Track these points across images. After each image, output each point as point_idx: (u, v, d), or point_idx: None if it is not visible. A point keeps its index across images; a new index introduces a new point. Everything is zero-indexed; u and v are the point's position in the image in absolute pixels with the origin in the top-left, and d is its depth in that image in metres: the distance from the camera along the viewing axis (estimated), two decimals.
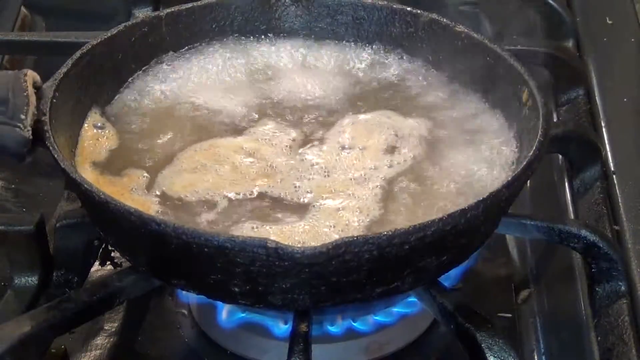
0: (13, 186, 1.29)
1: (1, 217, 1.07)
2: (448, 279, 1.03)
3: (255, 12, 1.18)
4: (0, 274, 1.08)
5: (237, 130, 1.08)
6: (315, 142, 1.06)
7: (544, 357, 1.08)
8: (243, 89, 1.14)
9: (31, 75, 0.98)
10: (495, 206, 0.93)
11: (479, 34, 1.11)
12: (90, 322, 1.01)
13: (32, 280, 1.04)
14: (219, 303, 1.02)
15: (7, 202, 1.26)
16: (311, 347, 0.92)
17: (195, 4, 1.16)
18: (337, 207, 0.97)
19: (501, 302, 1.13)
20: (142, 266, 0.97)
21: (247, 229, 0.94)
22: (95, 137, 1.05)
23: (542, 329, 1.10)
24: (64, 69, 1.03)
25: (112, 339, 1.08)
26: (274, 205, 0.98)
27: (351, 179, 1.01)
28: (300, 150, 1.05)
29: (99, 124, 1.06)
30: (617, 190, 1.13)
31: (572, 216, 1.15)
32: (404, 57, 1.16)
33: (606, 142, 1.19)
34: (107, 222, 0.94)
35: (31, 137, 0.95)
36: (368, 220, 0.96)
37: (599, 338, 1.00)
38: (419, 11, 1.15)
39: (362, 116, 1.10)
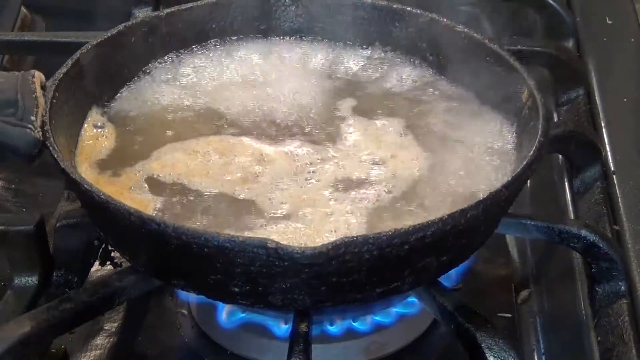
0: (13, 186, 1.29)
1: (1, 217, 1.07)
2: (448, 279, 1.03)
3: (255, 12, 1.18)
4: (0, 274, 1.08)
5: (236, 130, 1.08)
6: (313, 143, 1.06)
7: (544, 357, 1.08)
8: (243, 89, 1.14)
9: (39, 77, 0.99)
10: (495, 206, 0.93)
11: (479, 34, 1.11)
12: (90, 322, 1.01)
13: (32, 280, 1.04)
14: (219, 303, 1.02)
15: (7, 202, 1.27)
16: (311, 347, 0.92)
17: (195, 4, 1.16)
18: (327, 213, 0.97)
19: (501, 302, 1.13)
20: (142, 266, 0.97)
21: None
22: (95, 137, 1.05)
23: (542, 329, 1.10)
24: (64, 69, 1.03)
25: (112, 339, 1.08)
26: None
27: (356, 176, 1.02)
28: (297, 151, 1.05)
29: (99, 124, 1.07)
30: (617, 190, 1.13)
31: (572, 216, 1.15)
32: (404, 57, 1.16)
33: (606, 142, 1.19)
34: (107, 222, 0.94)
35: (41, 138, 0.95)
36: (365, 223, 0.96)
37: (599, 338, 1.00)
38: (419, 11, 1.15)
39: (362, 116, 1.10)
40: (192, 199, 0.98)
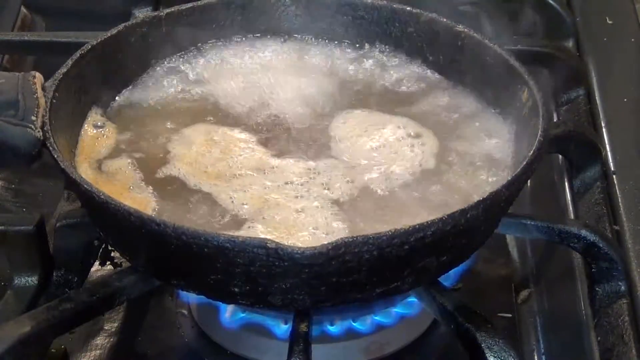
0: (13, 186, 1.29)
1: (1, 217, 1.07)
2: (448, 279, 1.03)
3: (255, 12, 1.18)
4: (0, 274, 1.08)
5: (236, 130, 1.08)
6: (311, 143, 1.06)
7: (544, 357, 1.08)
8: (243, 89, 1.14)
9: (39, 78, 0.99)
10: (495, 206, 0.93)
11: (479, 34, 1.11)
12: (90, 322, 1.01)
13: (32, 280, 1.04)
14: (219, 303, 1.02)
15: (7, 202, 1.27)
16: (311, 347, 0.92)
17: (195, 4, 1.16)
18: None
19: (501, 302, 1.13)
20: (142, 266, 0.97)
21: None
22: (95, 137, 1.05)
23: (542, 329, 1.10)
24: (64, 69, 1.03)
25: (112, 339, 1.08)
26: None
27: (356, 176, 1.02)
28: (297, 151, 1.05)
29: (99, 124, 1.07)
30: (617, 190, 1.13)
31: (572, 216, 1.15)
32: (404, 57, 1.16)
33: (606, 142, 1.19)
34: (107, 222, 0.94)
35: (42, 137, 0.95)
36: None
37: (599, 338, 1.00)
38: (419, 11, 1.15)
39: (361, 116, 1.10)
40: (192, 198, 0.98)
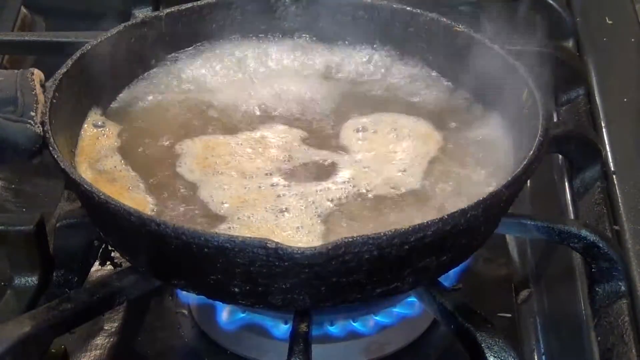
0: (13, 186, 1.29)
1: (1, 217, 1.07)
2: (448, 279, 1.03)
3: (255, 12, 1.18)
4: (0, 274, 1.08)
5: (235, 130, 1.08)
6: (311, 143, 1.06)
7: (544, 357, 1.08)
8: (243, 89, 1.14)
9: (38, 74, 0.99)
10: (495, 206, 0.93)
11: (479, 34, 1.11)
12: (90, 322, 1.01)
13: (32, 280, 1.04)
14: (219, 303, 1.02)
15: (7, 202, 1.27)
16: (311, 347, 0.92)
17: (195, 4, 1.16)
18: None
19: (501, 302, 1.13)
20: (142, 266, 0.97)
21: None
22: (95, 137, 1.05)
23: (542, 329, 1.10)
24: (64, 69, 1.03)
25: (112, 339, 1.08)
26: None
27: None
28: (297, 152, 1.05)
29: (99, 124, 1.07)
30: (617, 190, 1.13)
31: (572, 216, 1.15)
32: (404, 57, 1.16)
33: (606, 142, 1.19)
34: (107, 222, 0.94)
35: (41, 132, 0.95)
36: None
37: (599, 338, 1.00)
38: (419, 11, 1.15)
39: (361, 116, 1.10)
40: (192, 195, 0.99)
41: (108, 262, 1.10)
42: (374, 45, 1.17)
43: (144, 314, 1.11)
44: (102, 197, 0.89)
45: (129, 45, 1.11)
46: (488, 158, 1.04)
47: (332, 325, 1.03)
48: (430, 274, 0.94)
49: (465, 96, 1.12)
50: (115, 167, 1.02)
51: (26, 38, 1.38)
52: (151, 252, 0.92)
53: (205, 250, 0.86)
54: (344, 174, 1.02)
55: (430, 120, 1.09)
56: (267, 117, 1.10)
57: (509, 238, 1.21)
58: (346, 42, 1.18)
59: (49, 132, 0.95)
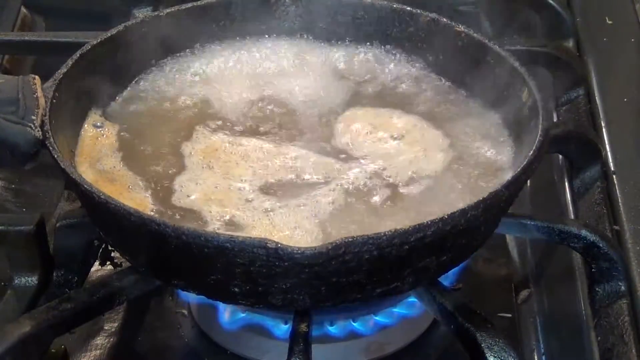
0: (13, 186, 1.29)
1: (1, 217, 1.07)
2: (448, 279, 1.03)
3: (255, 12, 1.18)
4: (0, 274, 1.08)
5: (236, 130, 1.08)
6: (311, 143, 1.06)
7: (544, 357, 1.08)
8: (243, 89, 1.14)
9: (39, 80, 0.99)
10: (495, 206, 0.93)
11: (479, 34, 1.11)
12: (90, 322, 1.01)
13: (32, 280, 1.04)
14: (219, 303, 1.02)
15: (7, 202, 1.27)
16: (311, 347, 0.92)
17: (195, 4, 1.16)
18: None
19: (501, 302, 1.13)
20: (142, 266, 0.97)
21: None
22: (95, 137, 1.05)
23: (542, 329, 1.10)
24: (64, 69, 1.03)
25: (112, 339, 1.08)
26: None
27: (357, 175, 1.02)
28: (297, 152, 1.05)
29: (99, 124, 1.07)
30: (617, 190, 1.13)
31: (572, 216, 1.15)
32: (404, 57, 1.16)
33: (606, 142, 1.19)
34: (107, 222, 0.94)
35: (41, 137, 0.95)
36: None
37: (599, 338, 1.00)
38: (418, 11, 1.14)
39: (361, 116, 1.10)
40: (191, 196, 0.99)
41: (108, 262, 1.10)
42: (374, 45, 1.17)
43: (144, 314, 1.11)
44: (102, 197, 0.89)
45: (129, 45, 1.11)
46: (488, 158, 1.04)
47: (332, 325, 1.03)
48: (430, 274, 0.94)
49: (464, 96, 1.12)
50: (115, 167, 1.02)
51: (26, 38, 1.38)
52: (151, 252, 0.92)
53: (205, 250, 0.86)
54: (343, 174, 1.02)
55: (429, 121, 1.09)
56: (267, 117, 1.10)
57: (509, 238, 1.21)
58: (346, 42, 1.18)
59: (49, 132, 0.95)
